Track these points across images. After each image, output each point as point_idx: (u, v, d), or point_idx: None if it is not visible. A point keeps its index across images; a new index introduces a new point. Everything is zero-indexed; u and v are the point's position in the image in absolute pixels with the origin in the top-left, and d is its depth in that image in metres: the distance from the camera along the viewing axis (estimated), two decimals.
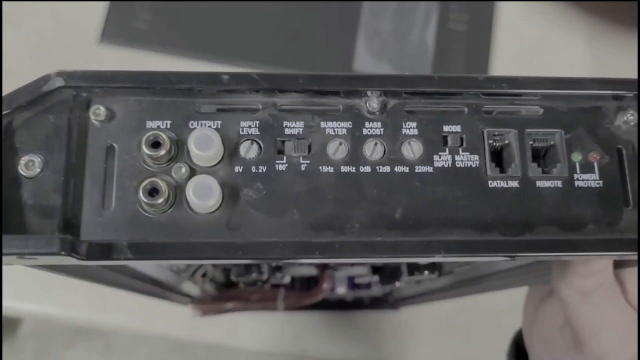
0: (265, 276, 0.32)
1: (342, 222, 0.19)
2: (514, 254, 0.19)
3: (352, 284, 0.39)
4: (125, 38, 0.57)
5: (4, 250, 0.17)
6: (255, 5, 0.59)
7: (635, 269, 0.25)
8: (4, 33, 0.58)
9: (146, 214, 0.19)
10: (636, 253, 0.19)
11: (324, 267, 0.38)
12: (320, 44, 0.60)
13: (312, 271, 0.37)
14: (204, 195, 0.18)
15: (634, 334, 0.25)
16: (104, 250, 0.18)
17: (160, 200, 0.18)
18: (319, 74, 0.20)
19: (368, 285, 0.39)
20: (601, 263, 0.23)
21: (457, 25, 0.62)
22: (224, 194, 0.19)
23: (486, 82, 0.20)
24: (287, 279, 0.38)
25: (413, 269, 0.33)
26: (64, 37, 0.58)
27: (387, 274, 0.37)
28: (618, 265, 0.25)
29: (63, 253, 0.17)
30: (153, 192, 0.18)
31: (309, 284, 0.42)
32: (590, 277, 0.23)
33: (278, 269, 0.36)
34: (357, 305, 0.57)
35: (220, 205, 0.19)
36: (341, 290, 0.39)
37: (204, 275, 0.42)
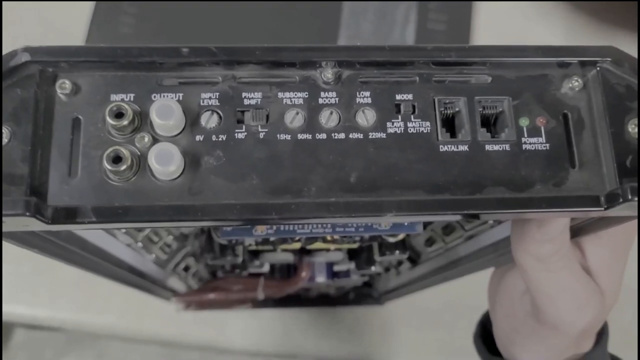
0: (240, 259, 0.32)
1: (300, 186, 0.20)
2: (463, 212, 0.20)
3: (331, 272, 0.40)
4: (110, 43, 0.58)
5: None
6: (238, 8, 0.61)
7: (595, 237, 0.26)
8: None
9: (111, 182, 0.20)
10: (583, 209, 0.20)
11: (301, 254, 0.38)
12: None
13: (289, 257, 0.38)
14: (165, 162, 0.19)
15: (591, 303, 0.26)
16: (69, 214, 0.19)
17: (124, 167, 0.19)
18: (275, 46, 0.20)
19: (347, 273, 0.40)
20: (556, 228, 0.23)
21: (436, 25, 0.63)
22: (185, 162, 0.20)
23: (435, 51, 0.21)
24: (266, 268, 0.38)
25: (384, 249, 0.34)
26: (50, 42, 0.59)
27: (363, 259, 0.38)
28: (578, 233, 0.26)
29: (27, 214, 0.18)
30: (116, 159, 0.19)
31: (289, 273, 0.43)
32: (546, 243, 0.24)
33: (254, 254, 0.37)
34: (343, 301, 0.58)
35: (182, 172, 0.20)
36: (321, 278, 0.39)
37: (186, 269, 0.43)
